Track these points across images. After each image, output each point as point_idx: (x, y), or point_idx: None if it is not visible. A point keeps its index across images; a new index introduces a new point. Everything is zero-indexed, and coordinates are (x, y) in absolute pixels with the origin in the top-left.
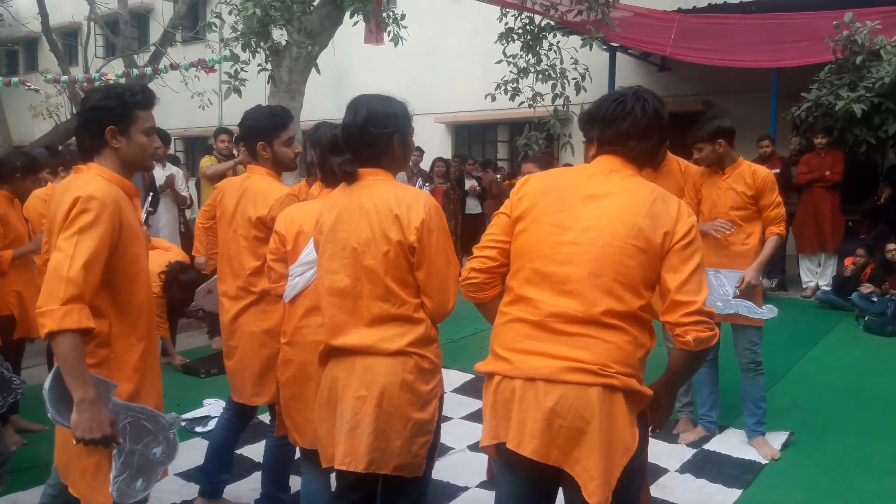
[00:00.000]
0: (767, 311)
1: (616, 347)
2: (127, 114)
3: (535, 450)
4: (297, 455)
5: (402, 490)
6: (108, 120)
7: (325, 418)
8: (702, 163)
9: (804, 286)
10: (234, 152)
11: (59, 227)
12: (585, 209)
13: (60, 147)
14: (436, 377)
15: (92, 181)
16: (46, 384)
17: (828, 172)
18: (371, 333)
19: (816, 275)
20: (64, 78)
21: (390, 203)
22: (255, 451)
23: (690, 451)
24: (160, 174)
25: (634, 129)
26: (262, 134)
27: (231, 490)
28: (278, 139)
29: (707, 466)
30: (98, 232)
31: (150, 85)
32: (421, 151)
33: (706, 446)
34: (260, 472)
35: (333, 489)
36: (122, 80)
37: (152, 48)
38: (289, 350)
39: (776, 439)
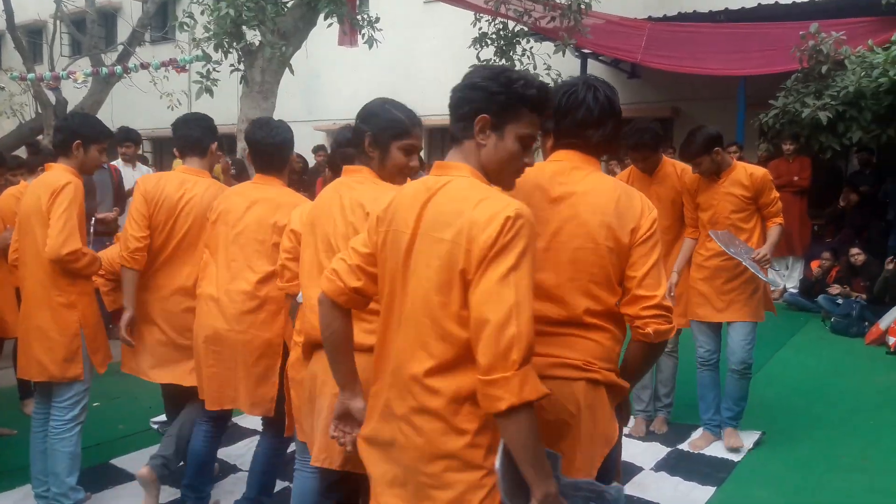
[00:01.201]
0: (774, 276)
1: (597, 345)
2: None
3: None
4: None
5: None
6: None
7: (307, 414)
8: (704, 174)
9: (772, 288)
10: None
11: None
12: (554, 213)
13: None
14: None
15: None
16: (498, 465)
17: (796, 178)
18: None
19: (784, 277)
20: (31, 75)
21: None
22: (227, 453)
23: (664, 450)
24: (130, 175)
25: (589, 117)
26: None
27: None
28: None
29: (681, 465)
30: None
31: (118, 84)
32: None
33: (680, 445)
34: (233, 474)
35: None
36: (90, 79)
37: (120, 48)
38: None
39: (748, 438)
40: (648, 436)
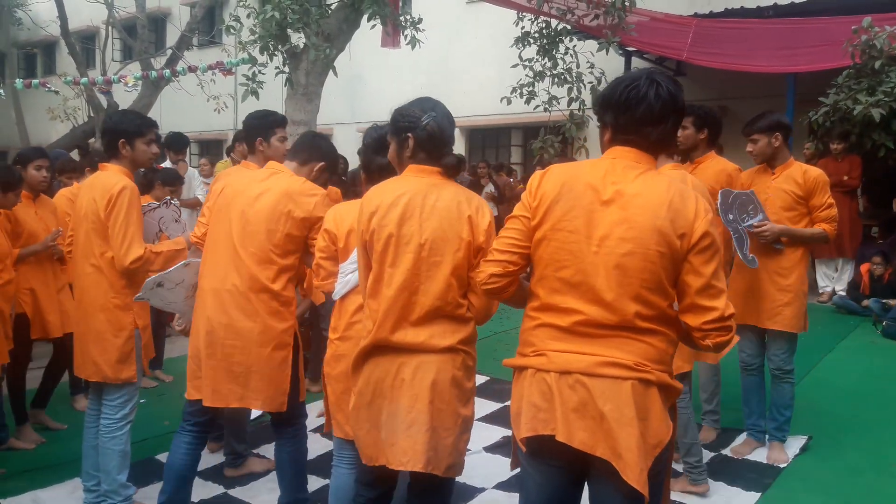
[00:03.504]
0: (752, 260)
1: (650, 347)
2: None
3: (584, 441)
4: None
5: (436, 489)
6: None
7: (365, 419)
8: (755, 155)
9: (821, 291)
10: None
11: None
12: (604, 215)
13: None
14: (474, 375)
15: None
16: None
17: (845, 177)
18: (422, 331)
19: (833, 280)
20: (83, 80)
21: (462, 203)
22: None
23: (708, 455)
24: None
25: (649, 114)
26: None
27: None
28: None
29: (724, 469)
30: None
31: (167, 88)
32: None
33: (723, 450)
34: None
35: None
36: (140, 83)
37: (169, 52)
38: (341, 345)
39: (794, 443)
40: None
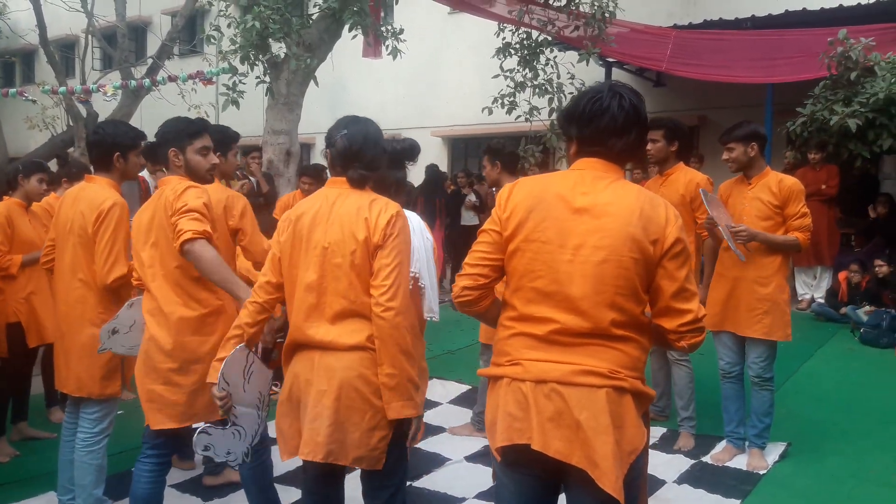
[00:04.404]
0: (740, 255)
1: (624, 354)
2: None
3: (560, 450)
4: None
5: (378, 485)
6: None
7: (286, 413)
8: (731, 163)
9: (799, 298)
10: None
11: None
12: (576, 224)
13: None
14: None
15: None
16: None
17: (823, 186)
18: (332, 329)
19: (812, 287)
20: (62, 89)
21: (362, 208)
22: None
23: (688, 462)
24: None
25: (613, 126)
26: (173, 141)
27: None
28: (191, 146)
29: (704, 477)
30: None
31: (147, 97)
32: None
33: (704, 458)
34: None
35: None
36: (120, 92)
37: (149, 61)
38: None
39: (773, 450)
40: (670, 448)
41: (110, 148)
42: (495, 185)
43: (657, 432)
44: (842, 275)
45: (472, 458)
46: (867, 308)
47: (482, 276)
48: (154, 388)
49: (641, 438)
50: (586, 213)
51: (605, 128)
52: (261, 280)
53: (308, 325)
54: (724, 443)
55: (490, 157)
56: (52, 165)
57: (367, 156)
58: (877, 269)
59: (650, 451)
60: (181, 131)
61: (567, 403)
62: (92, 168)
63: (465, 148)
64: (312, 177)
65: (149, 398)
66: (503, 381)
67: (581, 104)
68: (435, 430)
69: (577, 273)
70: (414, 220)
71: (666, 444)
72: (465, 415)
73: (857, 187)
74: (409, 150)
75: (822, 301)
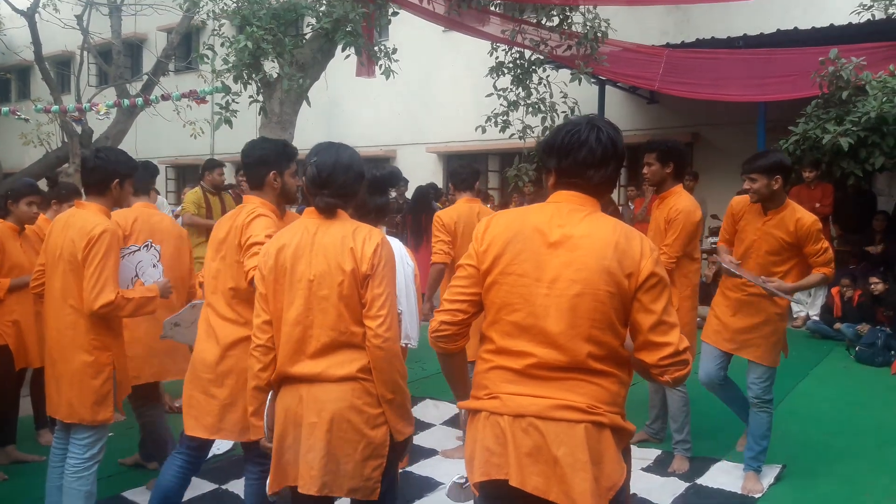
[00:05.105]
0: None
1: (602, 389)
2: None
3: (538, 486)
4: None
5: None
6: None
7: (278, 444)
8: (752, 195)
9: (794, 316)
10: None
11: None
12: (552, 257)
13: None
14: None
15: None
16: None
17: (818, 205)
18: (320, 362)
19: (807, 305)
20: (55, 107)
21: (346, 237)
22: None
23: (682, 486)
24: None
25: (591, 158)
26: (274, 163)
27: None
28: (289, 169)
29: (699, 501)
30: None
31: (142, 114)
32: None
33: (699, 480)
34: None
35: None
36: (113, 111)
37: (145, 77)
38: None
39: (768, 472)
40: (665, 471)
41: (111, 175)
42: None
43: (651, 454)
44: (834, 290)
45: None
46: (861, 326)
47: (460, 312)
48: (194, 395)
49: (621, 474)
50: (561, 245)
51: (583, 160)
52: (257, 321)
53: (295, 359)
54: (679, 455)
55: (450, 179)
56: (42, 185)
57: (337, 182)
58: (872, 286)
59: (645, 473)
60: (281, 154)
61: (545, 438)
62: (83, 191)
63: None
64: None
65: (189, 403)
66: (481, 415)
67: (560, 136)
68: (427, 453)
69: (554, 306)
70: (396, 245)
71: (660, 467)
72: (459, 436)
73: (855, 204)
74: (390, 178)
75: (817, 318)
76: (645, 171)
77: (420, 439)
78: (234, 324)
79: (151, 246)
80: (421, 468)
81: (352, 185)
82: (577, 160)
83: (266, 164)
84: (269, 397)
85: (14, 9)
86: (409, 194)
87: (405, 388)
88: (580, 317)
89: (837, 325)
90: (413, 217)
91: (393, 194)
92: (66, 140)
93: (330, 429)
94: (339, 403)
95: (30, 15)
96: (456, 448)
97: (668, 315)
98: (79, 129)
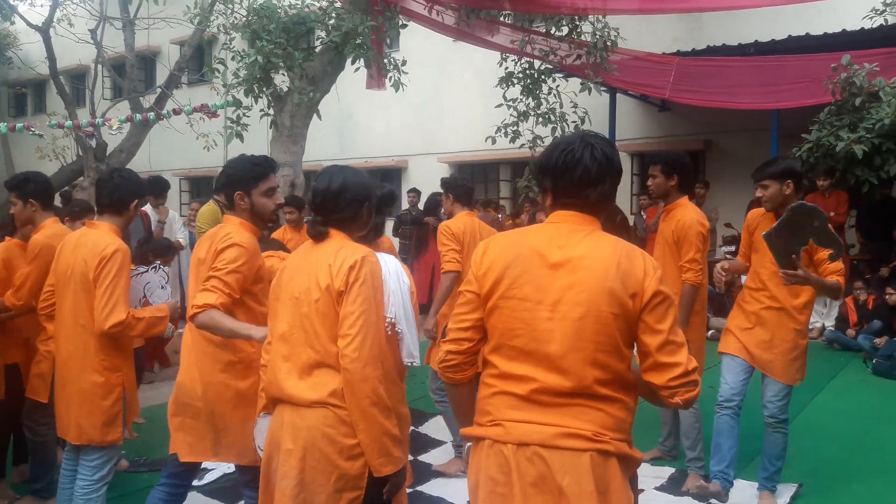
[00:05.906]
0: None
1: (608, 416)
2: None
3: None
4: None
5: None
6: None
7: (265, 469)
8: (765, 202)
9: (810, 327)
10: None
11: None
12: (554, 280)
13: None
14: None
15: None
16: None
17: (832, 213)
18: (300, 383)
19: (823, 315)
20: (68, 123)
21: (328, 255)
22: None
23: None
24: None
25: (587, 177)
26: (240, 183)
27: None
28: (256, 189)
29: None
30: None
31: (155, 126)
32: (417, 192)
33: (713, 500)
34: None
35: None
36: (126, 125)
37: (158, 90)
38: None
39: (784, 492)
40: (678, 491)
41: (132, 195)
42: (450, 215)
43: (665, 472)
44: (849, 298)
45: None
46: (879, 339)
47: (466, 340)
48: (185, 421)
49: None
50: (562, 267)
51: (578, 179)
52: (266, 340)
53: (282, 378)
54: (693, 473)
55: (445, 190)
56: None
57: (327, 208)
58: (889, 297)
59: (658, 492)
60: (247, 173)
61: (550, 468)
62: (97, 209)
63: (471, 174)
64: (293, 206)
65: (180, 429)
66: (485, 443)
67: (554, 156)
68: (438, 473)
69: (557, 330)
70: (391, 263)
71: (674, 486)
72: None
73: (877, 211)
74: (386, 199)
75: (832, 328)
76: (649, 183)
77: (430, 457)
78: (219, 347)
79: (160, 267)
80: (431, 488)
81: (345, 209)
82: (573, 180)
83: (231, 184)
84: (259, 417)
85: (29, 24)
86: (420, 205)
87: (381, 418)
88: (584, 340)
89: (850, 332)
90: (418, 227)
91: (406, 206)
92: (80, 154)
93: (304, 457)
94: (311, 432)
95: (44, 30)
96: (450, 462)
97: (676, 334)
98: (93, 143)
